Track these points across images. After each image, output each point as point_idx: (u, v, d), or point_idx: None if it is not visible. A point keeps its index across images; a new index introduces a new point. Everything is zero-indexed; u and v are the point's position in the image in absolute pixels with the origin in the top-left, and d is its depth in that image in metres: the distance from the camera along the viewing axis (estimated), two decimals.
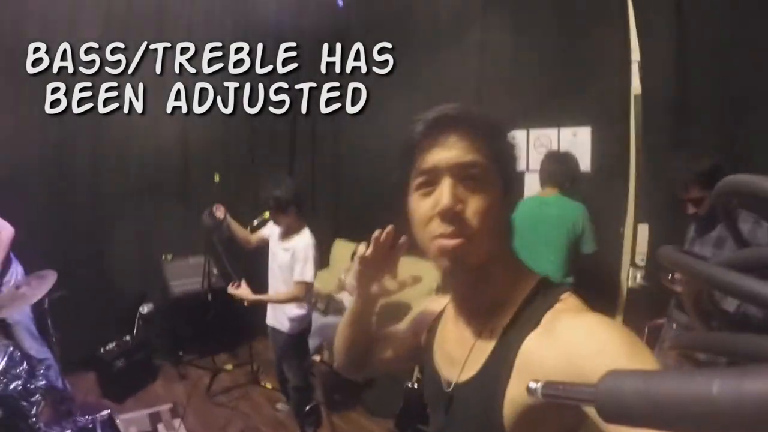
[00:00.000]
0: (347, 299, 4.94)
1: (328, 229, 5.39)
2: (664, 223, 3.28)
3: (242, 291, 3.32)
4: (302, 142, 5.77)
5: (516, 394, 0.80)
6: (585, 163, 3.58)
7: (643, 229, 3.49)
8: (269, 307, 3.54)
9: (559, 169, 3.23)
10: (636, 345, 0.70)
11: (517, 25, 4.00)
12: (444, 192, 0.83)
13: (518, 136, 4.05)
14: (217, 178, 4.28)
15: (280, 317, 3.45)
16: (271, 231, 3.56)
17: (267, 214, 3.45)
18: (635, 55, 3.37)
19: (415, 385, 3.48)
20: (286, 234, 3.41)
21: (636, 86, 3.41)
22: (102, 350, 4.10)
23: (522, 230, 3.27)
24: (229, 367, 4.70)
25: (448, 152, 0.84)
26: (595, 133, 3.59)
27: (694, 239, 2.71)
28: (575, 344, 0.73)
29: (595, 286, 3.30)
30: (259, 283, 3.54)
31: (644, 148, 3.41)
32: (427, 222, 0.86)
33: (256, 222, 3.57)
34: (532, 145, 3.99)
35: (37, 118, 4.07)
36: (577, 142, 3.64)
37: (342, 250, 5.54)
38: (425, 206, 0.86)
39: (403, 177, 0.93)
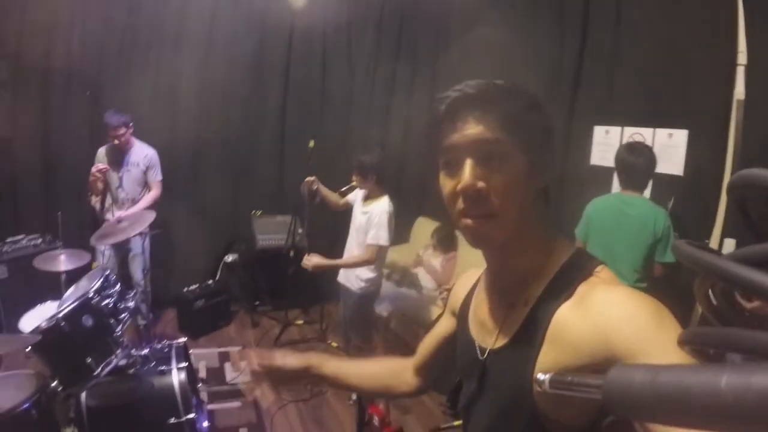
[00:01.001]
0: (422, 274, 5.05)
1: (412, 206, 5.48)
2: (753, 242, 3.11)
3: (313, 259, 3.53)
4: (397, 119, 5.89)
5: (546, 362, 0.82)
6: (678, 167, 3.45)
7: (729, 245, 3.31)
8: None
9: (636, 161, 3.05)
10: (663, 317, 0.73)
11: (619, 21, 3.90)
12: (465, 171, 0.84)
13: (612, 132, 3.98)
14: (311, 143, 4.48)
15: (350, 276, 3.62)
16: (356, 196, 3.75)
17: (354, 182, 3.64)
18: (742, 58, 3.19)
19: None
20: (367, 198, 3.59)
21: (740, 91, 3.24)
22: (185, 290, 4.46)
23: (600, 228, 3.26)
24: (299, 322, 4.96)
25: (468, 132, 0.85)
26: (692, 137, 3.43)
27: None
28: (605, 314, 0.76)
29: (670, 297, 3.18)
30: (341, 245, 3.77)
31: (743, 156, 3.24)
32: (454, 200, 0.88)
33: (344, 189, 3.79)
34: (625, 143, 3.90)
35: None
36: (672, 144, 3.51)
37: (423, 227, 5.62)
38: (450, 185, 0.88)
39: (430, 156, 0.94)
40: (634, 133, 3.82)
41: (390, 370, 1.39)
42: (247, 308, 5.01)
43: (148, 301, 3.95)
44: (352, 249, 3.63)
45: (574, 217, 3.73)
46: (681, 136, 3.48)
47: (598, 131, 4.07)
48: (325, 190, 3.90)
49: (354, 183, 3.66)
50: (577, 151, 4.22)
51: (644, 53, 3.68)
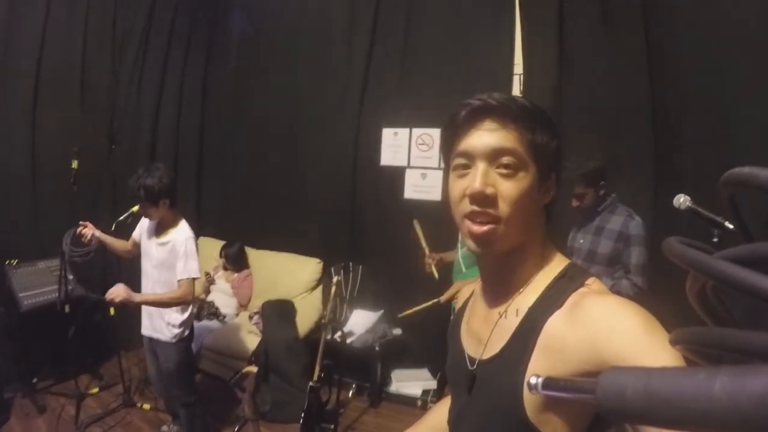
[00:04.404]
0: (219, 300, 4.71)
1: (191, 227, 5.05)
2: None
3: (119, 291, 2.79)
4: (166, 136, 5.32)
5: (536, 370, 0.83)
6: None
7: None
8: (144, 315, 3.20)
9: None
10: (651, 324, 0.74)
11: (411, 32, 4.18)
12: (476, 175, 0.88)
13: (401, 133, 4.21)
14: (74, 164, 3.76)
15: (158, 325, 3.12)
16: (141, 229, 3.24)
17: (136, 208, 3.12)
18: (518, 68, 3.68)
19: (319, 384, 3.43)
20: (161, 229, 3.11)
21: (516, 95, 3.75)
22: None
23: None
24: (95, 390, 4.12)
25: (485, 138, 0.89)
26: None
27: (578, 229, 3.12)
28: (594, 321, 0.78)
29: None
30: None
31: None
32: (460, 201, 0.91)
33: (122, 217, 3.21)
34: (414, 143, 4.16)
35: None
36: None
37: (205, 247, 5.21)
38: (459, 186, 0.92)
39: (445, 157, 0.99)
40: (423, 134, 4.10)
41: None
42: (24, 391, 3.91)
43: None
44: (154, 290, 3.09)
45: (367, 216, 3.85)
46: None
47: (387, 133, 4.24)
48: (107, 239, 3.23)
49: (135, 210, 3.13)
50: (368, 152, 4.37)
51: (433, 63, 4.00)
